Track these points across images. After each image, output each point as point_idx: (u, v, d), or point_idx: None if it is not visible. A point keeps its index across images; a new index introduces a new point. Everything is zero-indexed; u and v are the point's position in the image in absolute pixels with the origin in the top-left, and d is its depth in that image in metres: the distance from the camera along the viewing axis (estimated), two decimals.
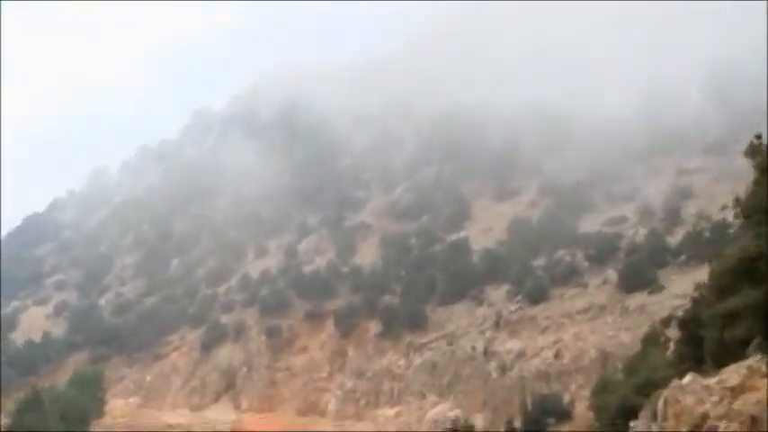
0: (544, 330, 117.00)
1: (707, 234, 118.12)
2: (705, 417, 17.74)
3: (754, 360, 23.57)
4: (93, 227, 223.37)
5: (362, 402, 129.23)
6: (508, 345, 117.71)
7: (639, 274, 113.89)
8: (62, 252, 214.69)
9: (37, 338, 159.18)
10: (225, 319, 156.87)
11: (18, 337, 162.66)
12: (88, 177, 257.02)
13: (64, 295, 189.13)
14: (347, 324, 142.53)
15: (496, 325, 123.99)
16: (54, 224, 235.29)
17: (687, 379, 22.85)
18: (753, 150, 32.72)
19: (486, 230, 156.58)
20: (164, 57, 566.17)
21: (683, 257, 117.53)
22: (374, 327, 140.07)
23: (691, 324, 36.17)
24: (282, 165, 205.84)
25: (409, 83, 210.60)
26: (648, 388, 45.33)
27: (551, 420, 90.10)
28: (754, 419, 16.84)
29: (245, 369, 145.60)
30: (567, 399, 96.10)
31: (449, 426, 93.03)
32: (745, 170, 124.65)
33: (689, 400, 22.31)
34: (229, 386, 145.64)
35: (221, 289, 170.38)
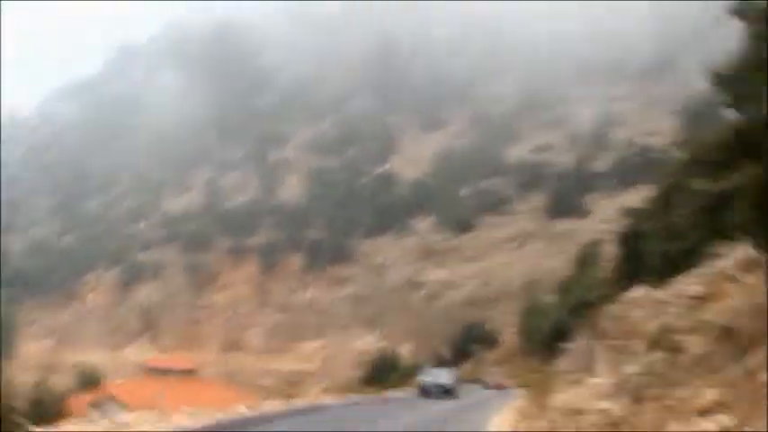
0: (471, 259, 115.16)
1: (634, 159, 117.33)
2: (666, 331, 14.38)
3: (713, 268, 20.23)
4: (8, 167, 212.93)
5: (287, 336, 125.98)
6: (435, 274, 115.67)
7: (566, 199, 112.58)
8: None
9: None
10: (143, 257, 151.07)
11: None
12: (2, 117, 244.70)
13: None
14: (270, 259, 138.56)
15: (423, 255, 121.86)
16: None
17: (637, 292, 19.60)
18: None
19: (412, 162, 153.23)
20: None
21: (610, 182, 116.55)
22: (298, 261, 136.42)
23: (631, 239, 33.20)
24: (205, 99, 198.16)
25: (336, 16, 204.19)
26: (583, 308, 42.82)
27: (478, 347, 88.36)
28: (726, 331, 13.42)
29: (164, 307, 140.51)
30: (494, 325, 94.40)
31: (375, 357, 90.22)
32: (673, 97, 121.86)
33: (640, 314, 19.12)
34: (149, 326, 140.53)
35: (140, 226, 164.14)
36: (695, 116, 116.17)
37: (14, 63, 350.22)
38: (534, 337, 75.51)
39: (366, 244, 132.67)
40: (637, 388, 14.42)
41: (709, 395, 11.55)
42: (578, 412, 15.37)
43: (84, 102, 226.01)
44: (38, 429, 13.01)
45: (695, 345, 14.24)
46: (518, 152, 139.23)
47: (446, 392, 38.35)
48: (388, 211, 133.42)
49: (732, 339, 14.13)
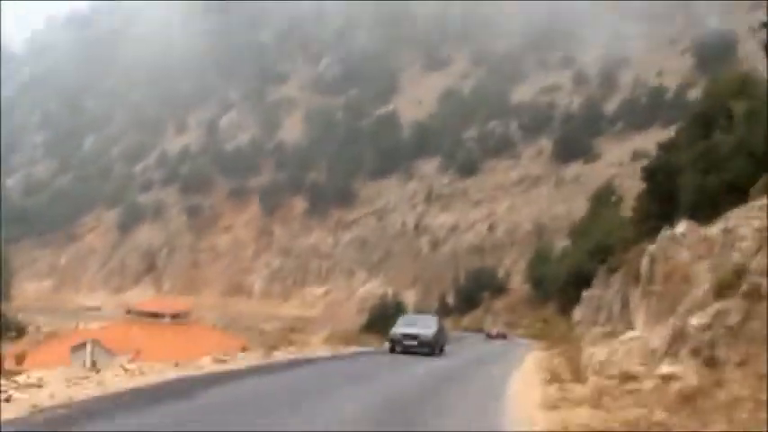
0: (477, 203, 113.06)
1: (644, 100, 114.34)
2: (741, 272, 12.06)
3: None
4: None
5: (289, 281, 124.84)
6: (440, 219, 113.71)
7: (574, 143, 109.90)
8: None
9: None
10: (143, 198, 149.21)
11: None
12: None
13: None
14: (272, 202, 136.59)
15: (427, 199, 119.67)
16: None
17: (681, 228, 17.46)
18: None
19: (415, 103, 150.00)
20: None
21: (619, 125, 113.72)
22: (300, 204, 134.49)
23: (660, 174, 30.77)
24: (203, 37, 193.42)
25: None
26: (601, 253, 40.81)
27: (485, 294, 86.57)
28: None
29: (165, 250, 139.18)
30: (501, 272, 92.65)
31: (377, 303, 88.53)
32: (682, 37, 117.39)
33: (687, 254, 16.93)
34: (150, 268, 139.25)
35: (138, 167, 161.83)
36: (709, 55, 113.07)
37: None
38: (545, 284, 73.71)
39: (369, 187, 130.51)
40: (706, 346, 12.20)
41: None
42: (631, 378, 13.14)
43: (77, 36, 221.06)
44: None
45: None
46: (524, 93, 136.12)
47: (424, 347, 27.94)
48: (392, 153, 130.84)
49: None
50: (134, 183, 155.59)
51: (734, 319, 11.80)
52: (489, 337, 61.50)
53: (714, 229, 16.58)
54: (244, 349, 32.21)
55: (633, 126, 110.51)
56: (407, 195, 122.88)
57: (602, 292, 31.48)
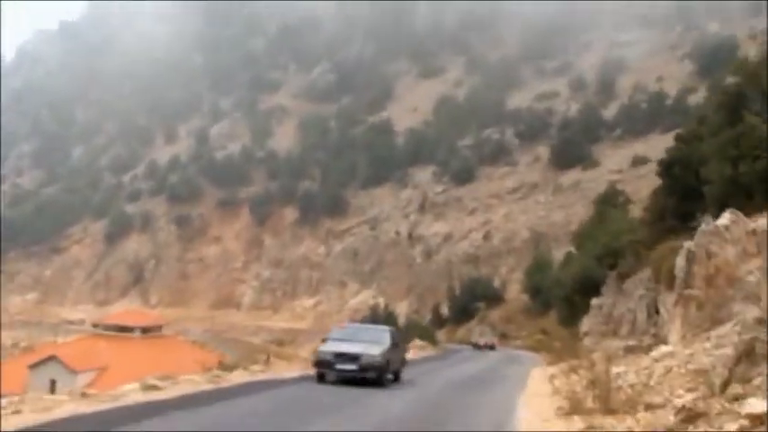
0: (472, 212, 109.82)
1: (643, 106, 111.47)
2: None
3: None
4: None
5: (279, 293, 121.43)
6: (434, 228, 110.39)
7: (573, 149, 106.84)
8: None
9: None
10: (131, 208, 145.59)
11: None
12: None
13: None
14: (263, 212, 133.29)
15: (421, 208, 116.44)
16: None
17: (724, 220, 14.26)
18: None
19: (410, 110, 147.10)
20: None
21: (618, 131, 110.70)
22: (291, 214, 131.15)
23: (677, 167, 27.53)
24: (194, 45, 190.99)
25: None
26: (610, 258, 37.53)
27: (481, 305, 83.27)
28: None
29: (153, 262, 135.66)
30: (497, 282, 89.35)
31: (366, 315, 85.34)
32: (682, 42, 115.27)
33: (731, 252, 13.73)
34: (137, 280, 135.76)
35: (126, 177, 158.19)
36: (710, 60, 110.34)
37: None
38: (544, 293, 70.53)
39: (362, 196, 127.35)
40: None
41: None
42: (698, 415, 9.63)
43: (67, 46, 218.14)
44: None
45: None
46: (520, 100, 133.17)
47: (368, 372, 20.05)
48: (386, 161, 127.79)
49: None
50: (122, 193, 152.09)
51: None
52: (477, 347, 58.87)
53: (765, 221, 13.32)
54: (219, 365, 29.04)
55: (632, 132, 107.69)
56: (401, 204, 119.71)
57: (613, 300, 28.23)
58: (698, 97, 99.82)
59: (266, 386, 18.77)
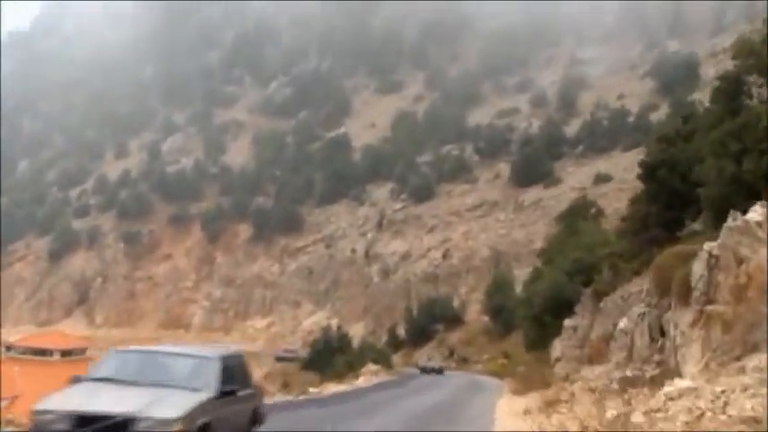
0: (431, 230, 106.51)
1: (605, 123, 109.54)
2: None
3: None
4: None
5: (231, 313, 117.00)
6: (392, 246, 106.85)
7: (534, 166, 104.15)
8: None
9: None
10: (77, 224, 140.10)
11: None
12: None
13: None
14: (215, 228, 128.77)
15: (379, 225, 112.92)
16: None
17: (755, 214, 10.99)
18: None
19: (368, 126, 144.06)
20: None
21: (580, 148, 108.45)
22: (245, 231, 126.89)
23: (663, 170, 24.31)
24: (147, 56, 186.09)
25: None
26: (582, 274, 34.32)
27: (440, 326, 79.86)
28: None
29: (99, 280, 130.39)
30: (457, 302, 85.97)
31: (317, 338, 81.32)
32: (642, 61, 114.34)
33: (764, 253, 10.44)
34: (83, 299, 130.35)
35: (74, 192, 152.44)
36: (671, 78, 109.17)
37: None
38: (505, 314, 67.41)
39: (318, 213, 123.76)
40: None
41: None
42: None
43: (17, 57, 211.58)
44: None
45: None
46: (481, 116, 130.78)
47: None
48: (343, 177, 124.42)
49: None
50: (69, 209, 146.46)
51: None
52: (425, 371, 56.14)
53: None
54: None
55: (595, 149, 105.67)
56: (358, 222, 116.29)
57: (590, 320, 24.94)
58: (660, 114, 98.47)
59: None
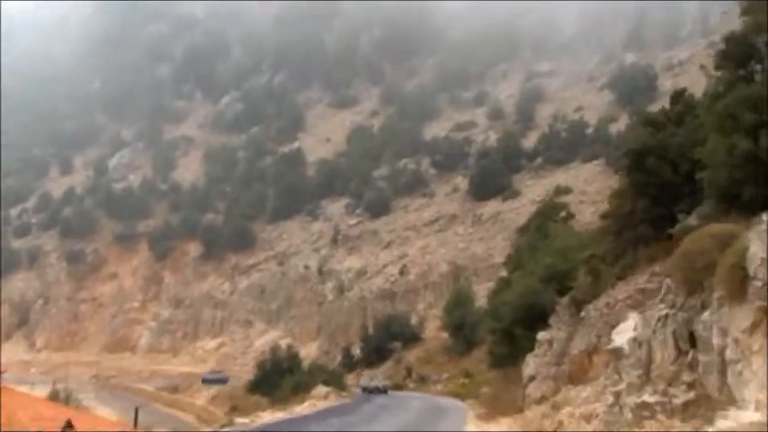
0: (387, 245, 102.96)
1: (563, 135, 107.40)
2: None
3: None
4: None
5: (180, 334, 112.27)
6: (346, 263, 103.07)
7: (492, 179, 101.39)
8: None
9: None
10: (17, 244, 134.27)
11: None
12: None
13: None
14: (163, 246, 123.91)
15: (333, 241, 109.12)
16: None
17: None
18: None
19: (322, 141, 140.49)
20: None
21: (538, 161, 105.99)
22: (194, 249, 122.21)
23: (652, 158, 21.00)
24: (94, 71, 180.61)
25: None
26: (556, 281, 31.00)
27: (397, 345, 76.24)
28: None
29: (41, 301, 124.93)
30: (414, 319, 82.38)
31: (266, 359, 77.31)
32: (599, 73, 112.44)
33: None
34: (23, 322, 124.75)
35: (15, 210, 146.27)
36: (629, 90, 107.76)
37: None
38: (466, 330, 64.11)
39: (270, 229, 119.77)
40: None
41: None
42: None
43: None
44: None
45: None
46: (437, 130, 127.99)
47: None
48: (296, 193, 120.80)
49: None
50: (8, 228, 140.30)
51: None
52: (367, 391, 54.14)
53: None
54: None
55: (553, 161, 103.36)
56: (311, 238, 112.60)
57: (568, 333, 21.60)
58: (618, 125, 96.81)
59: None
